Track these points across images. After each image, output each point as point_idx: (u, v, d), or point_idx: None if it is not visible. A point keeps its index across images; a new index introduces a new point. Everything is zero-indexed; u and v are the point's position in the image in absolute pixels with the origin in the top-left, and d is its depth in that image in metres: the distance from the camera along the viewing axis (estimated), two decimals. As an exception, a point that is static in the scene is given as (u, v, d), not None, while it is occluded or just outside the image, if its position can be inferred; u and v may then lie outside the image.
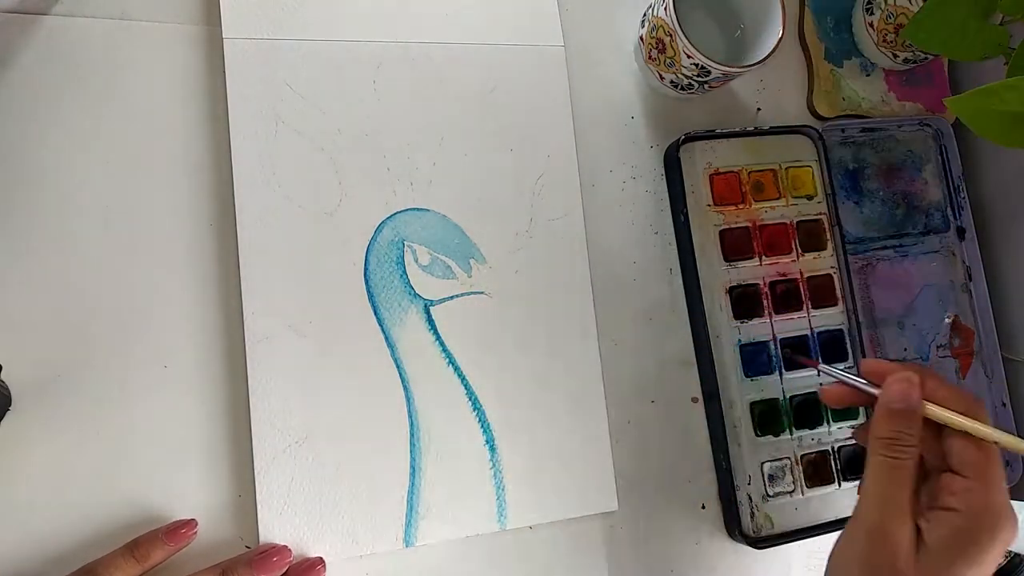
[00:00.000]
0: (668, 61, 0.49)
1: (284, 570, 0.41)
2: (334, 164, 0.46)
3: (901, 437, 0.37)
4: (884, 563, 0.36)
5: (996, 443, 0.37)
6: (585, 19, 0.53)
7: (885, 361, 0.42)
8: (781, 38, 0.48)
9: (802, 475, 0.50)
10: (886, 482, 0.37)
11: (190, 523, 0.41)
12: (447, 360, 0.46)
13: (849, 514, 0.50)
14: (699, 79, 0.49)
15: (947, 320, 0.57)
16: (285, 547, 0.42)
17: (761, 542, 0.48)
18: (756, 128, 0.53)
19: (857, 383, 0.42)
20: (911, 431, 0.38)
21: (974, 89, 0.41)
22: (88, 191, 0.43)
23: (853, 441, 0.51)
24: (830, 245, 0.53)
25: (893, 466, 0.37)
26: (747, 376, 0.50)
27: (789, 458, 0.50)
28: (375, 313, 0.46)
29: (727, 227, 0.51)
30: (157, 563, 0.39)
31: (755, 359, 0.50)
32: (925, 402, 0.38)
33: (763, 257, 0.52)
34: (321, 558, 0.42)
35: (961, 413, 0.37)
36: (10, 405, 0.40)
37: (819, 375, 0.50)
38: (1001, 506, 0.36)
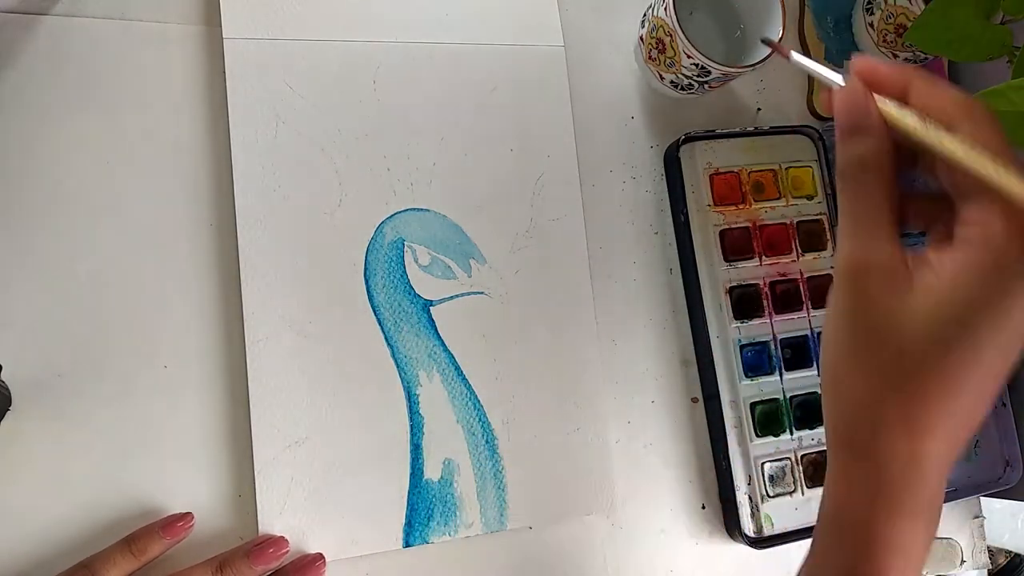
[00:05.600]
0: (668, 61, 0.49)
1: (281, 561, 0.41)
2: (334, 164, 0.46)
3: (862, 159, 0.28)
4: (872, 301, 0.27)
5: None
6: (585, 19, 0.53)
7: (877, 62, 0.29)
8: (781, 38, 0.48)
9: (802, 475, 0.50)
10: (855, 208, 0.28)
11: (186, 516, 0.41)
12: (447, 360, 0.46)
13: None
14: (699, 79, 0.49)
15: (947, 320, 0.57)
16: (282, 538, 0.42)
17: (761, 542, 0.48)
18: (756, 128, 0.53)
19: (829, 76, 0.31)
20: (870, 147, 0.28)
21: (981, 91, 0.41)
22: (88, 191, 0.43)
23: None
24: (830, 245, 0.53)
25: (856, 191, 0.28)
26: (747, 376, 0.50)
27: (789, 458, 0.50)
28: (375, 313, 0.46)
29: (727, 227, 0.51)
30: (154, 557, 0.40)
31: (755, 359, 0.50)
32: (908, 116, 0.28)
33: (763, 257, 0.51)
34: (321, 554, 0.42)
35: (952, 125, 0.27)
36: (10, 405, 0.40)
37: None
38: None
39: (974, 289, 0.26)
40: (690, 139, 0.52)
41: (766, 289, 0.51)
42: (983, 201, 0.27)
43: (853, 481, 0.29)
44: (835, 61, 0.57)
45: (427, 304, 0.47)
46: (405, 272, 0.47)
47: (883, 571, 0.28)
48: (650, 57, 0.51)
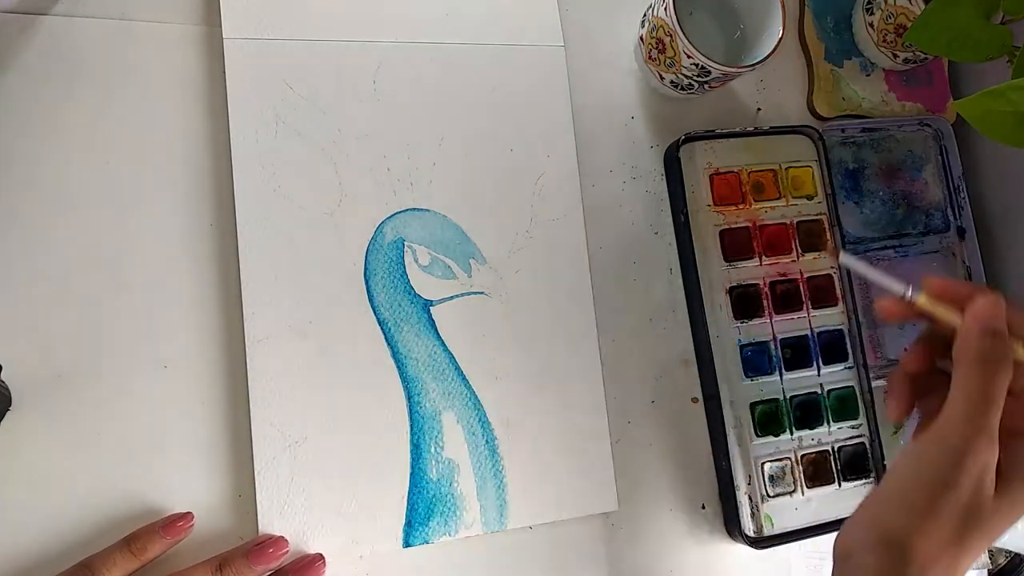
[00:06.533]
0: (668, 61, 0.49)
1: (281, 561, 0.41)
2: (334, 164, 0.46)
3: (997, 356, 0.33)
4: (965, 485, 0.32)
5: None
6: (585, 19, 0.53)
7: (952, 281, 0.36)
8: (781, 38, 0.48)
9: (802, 475, 0.50)
10: (977, 401, 0.33)
11: (187, 516, 0.41)
12: (447, 360, 0.46)
13: (849, 514, 0.50)
14: (699, 79, 0.49)
15: (947, 320, 0.57)
16: (281, 538, 0.42)
17: (761, 542, 0.48)
18: (756, 128, 0.53)
19: (892, 284, 0.37)
20: (1005, 353, 0.33)
21: (981, 91, 0.41)
22: (88, 191, 0.43)
23: (853, 440, 0.51)
24: (830, 245, 0.53)
25: (986, 388, 0.33)
26: (747, 376, 0.50)
27: (789, 458, 0.50)
28: (375, 313, 0.46)
29: (727, 227, 0.51)
30: (154, 557, 0.40)
31: (755, 359, 0.50)
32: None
33: (763, 257, 0.51)
34: (321, 555, 0.42)
35: None
36: (10, 405, 0.40)
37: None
38: None
39: None
40: (690, 139, 0.52)
41: (766, 289, 0.51)
42: None
43: None
44: (835, 61, 0.57)
45: (427, 304, 0.47)
46: (405, 272, 0.47)
47: None
48: (650, 57, 0.51)
